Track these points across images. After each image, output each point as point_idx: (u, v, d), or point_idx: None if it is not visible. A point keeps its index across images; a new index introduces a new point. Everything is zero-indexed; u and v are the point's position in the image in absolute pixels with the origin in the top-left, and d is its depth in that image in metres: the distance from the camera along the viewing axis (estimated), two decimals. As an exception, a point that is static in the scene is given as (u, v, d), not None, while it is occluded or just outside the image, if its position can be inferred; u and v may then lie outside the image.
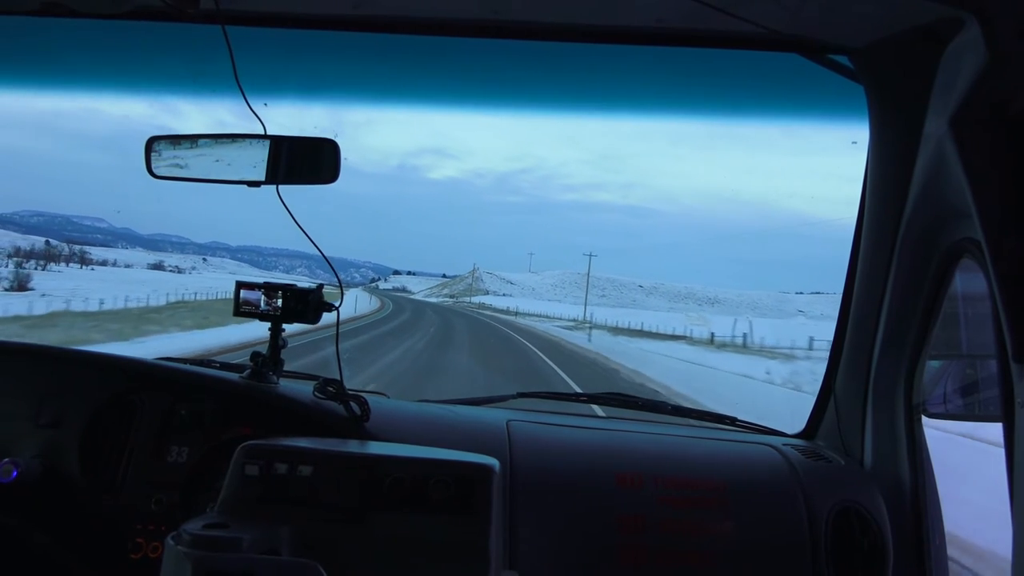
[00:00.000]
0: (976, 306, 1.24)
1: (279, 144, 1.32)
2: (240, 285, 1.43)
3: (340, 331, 1.46)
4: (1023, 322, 0.85)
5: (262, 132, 1.29)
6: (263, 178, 1.32)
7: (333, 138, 1.33)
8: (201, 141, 1.39)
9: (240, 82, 1.15)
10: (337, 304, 1.42)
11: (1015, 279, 0.87)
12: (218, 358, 1.72)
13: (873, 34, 1.17)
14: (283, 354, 1.45)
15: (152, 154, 1.40)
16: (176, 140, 1.42)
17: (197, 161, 1.39)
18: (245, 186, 1.34)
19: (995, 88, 0.88)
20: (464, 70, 1.81)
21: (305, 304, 1.39)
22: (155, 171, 1.40)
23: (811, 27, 1.19)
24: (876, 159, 1.27)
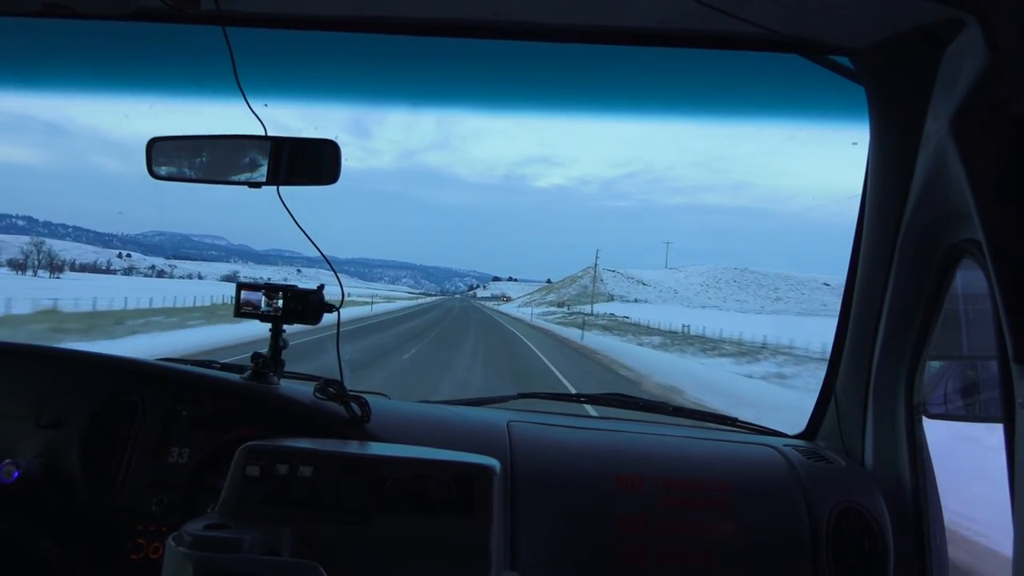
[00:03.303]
0: (977, 307, 1.24)
1: (280, 145, 1.32)
2: (241, 286, 1.44)
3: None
4: (1023, 323, 0.85)
5: (263, 133, 1.29)
6: (264, 179, 1.32)
7: (334, 139, 1.33)
8: (202, 142, 1.39)
9: (241, 83, 1.16)
10: (337, 305, 1.42)
11: (1015, 280, 0.87)
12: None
13: (874, 35, 1.17)
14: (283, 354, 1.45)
15: (153, 155, 1.40)
16: (177, 141, 1.42)
17: (198, 162, 1.39)
18: (246, 187, 1.34)
19: (995, 89, 0.88)
20: (463, 70, 1.82)
21: (305, 305, 1.40)
22: (156, 172, 1.40)
23: (812, 28, 1.19)
24: (877, 160, 1.27)
